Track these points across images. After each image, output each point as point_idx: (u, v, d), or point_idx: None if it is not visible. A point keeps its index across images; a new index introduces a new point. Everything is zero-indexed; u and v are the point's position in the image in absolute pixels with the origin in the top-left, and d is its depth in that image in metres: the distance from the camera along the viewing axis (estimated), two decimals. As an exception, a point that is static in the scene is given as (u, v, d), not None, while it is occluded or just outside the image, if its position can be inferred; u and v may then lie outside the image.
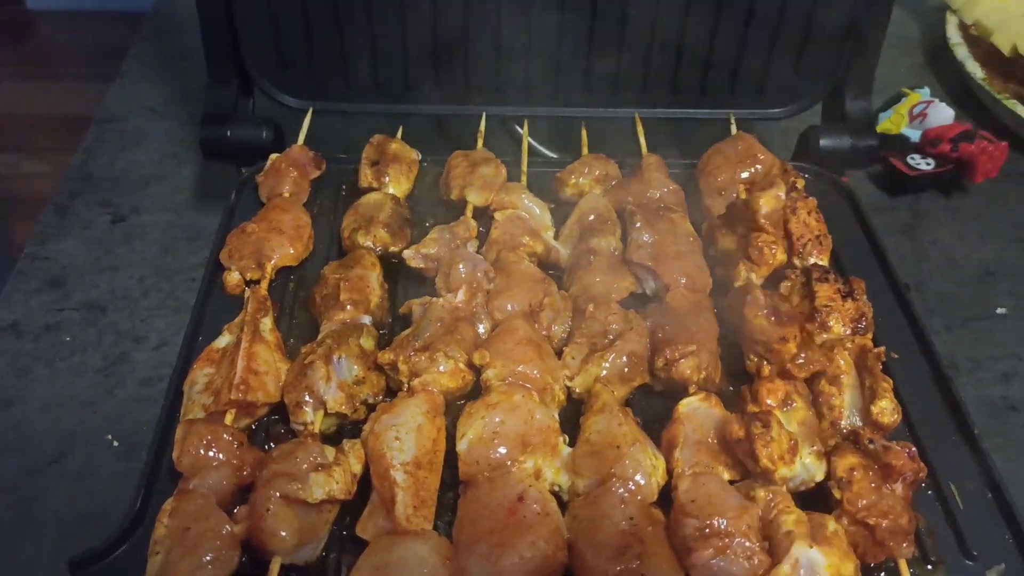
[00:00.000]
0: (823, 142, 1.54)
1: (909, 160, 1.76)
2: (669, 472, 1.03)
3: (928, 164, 1.75)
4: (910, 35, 2.25)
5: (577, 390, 1.14)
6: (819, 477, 1.04)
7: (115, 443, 1.28)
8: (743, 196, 1.33)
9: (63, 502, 1.20)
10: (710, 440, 1.04)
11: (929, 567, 1.00)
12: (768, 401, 1.07)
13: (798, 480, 1.05)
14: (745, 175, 1.42)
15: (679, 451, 1.02)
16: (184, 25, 2.10)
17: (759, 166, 1.42)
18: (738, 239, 1.32)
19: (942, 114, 1.80)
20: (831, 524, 0.96)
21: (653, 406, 1.17)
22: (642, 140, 1.51)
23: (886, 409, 1.04)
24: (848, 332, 1.17)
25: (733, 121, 1.56)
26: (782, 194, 1.33)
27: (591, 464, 1.02)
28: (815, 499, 1.04)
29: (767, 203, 1.32)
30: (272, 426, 1.12)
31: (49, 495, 1.20)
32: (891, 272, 1.35)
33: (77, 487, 1.22)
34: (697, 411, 1.07)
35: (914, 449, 1.01)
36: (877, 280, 1.34)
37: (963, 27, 2.08)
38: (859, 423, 1.08)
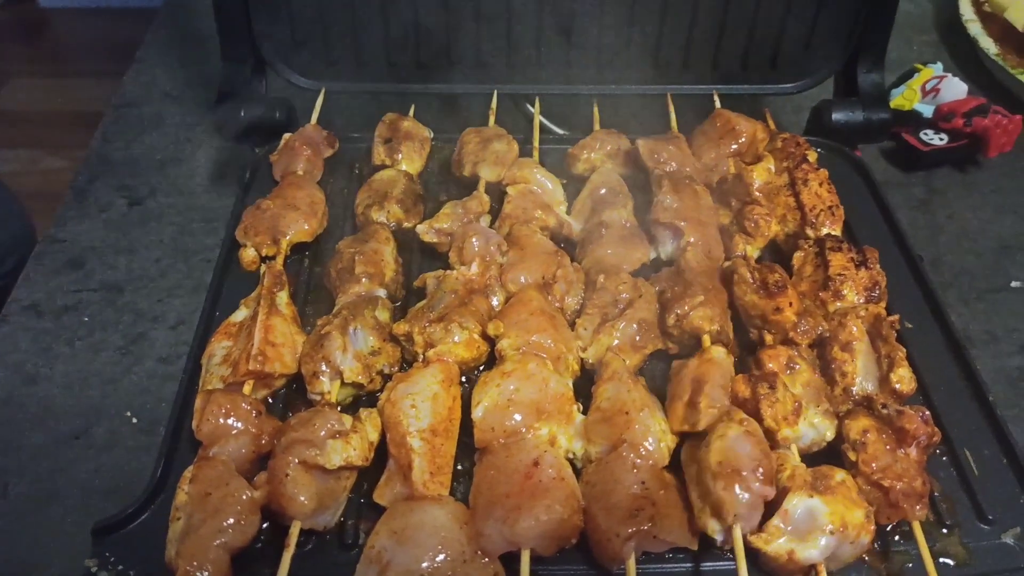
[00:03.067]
0: (836, 116, 1.53)
1: (922, 136, 1.74)
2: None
3: (942, 139, 1.74)
4: (923, 12, 2.24)
5: (590, 360, 1.15)
6: (829, 436, 1.05)
7: (134, 420, 1.29)
8: (732, 171, 1.33)
9: (86, 474, 1.21)
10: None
11: (945, 530, 1.00)
12: (770, 366, 1.08)
13: (808, 440, 1.06)
14: (732, 148, 1.43)
15: (709, 387, 1.03)
16: (199, 11, 2.11)
17: (743, 137, 1.43)
18: (733, 214, 1.32)
19: (955, 89, 1.79)
20: (838, 475, 0.97)
21: (666, 373, 1.18)
22: (673, 117, 1.52)
23: (905, 377, 1.05)
24: (862, 300, 1.17)
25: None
26: (772, 166, 1.34)
27: (602, 431, 1.03)
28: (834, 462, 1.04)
29: (759, 175, 1.32)
30: (289, 398, 1.13)
31: (73, 468, 1.22)
32: (904, 243, 1.35)
33: (99, 460, 1.23)
34: (722, 358, 1.07)
35: (928, 413, 1.01)
36: (891, 252, 1.34)
37: (976, 3, 2.06)
38: (871, 388, 1.08)
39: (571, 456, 1.05)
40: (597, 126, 1.51)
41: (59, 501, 1.19)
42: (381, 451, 1.04)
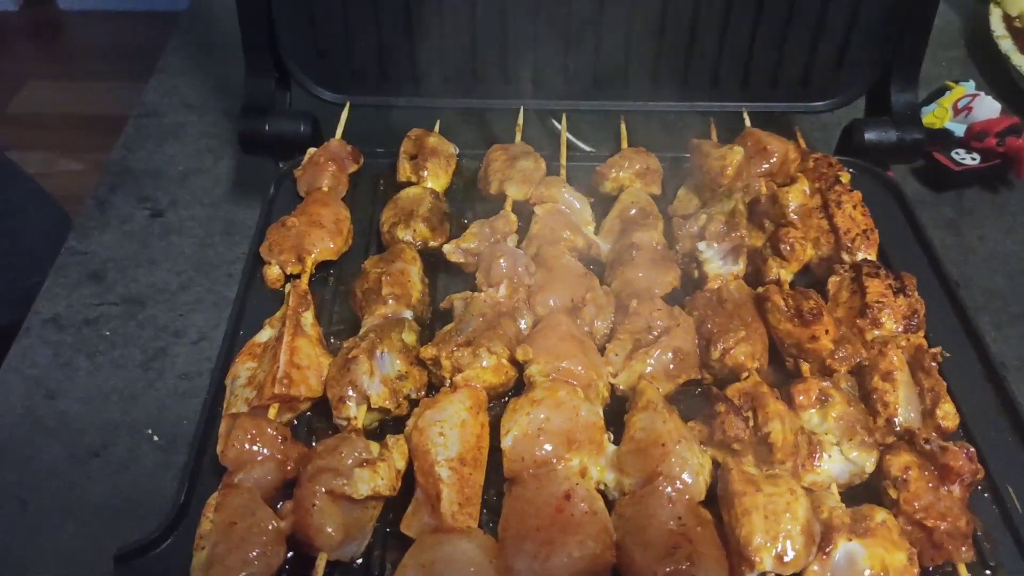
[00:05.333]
0: (868, 135, 1.50)
1: (954, 155, 1.71)
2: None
3: (973, 159, 1.71)
4: (952, 27, 2.20)
5: (621, 387, 1.12)
6: (870, 468, 1.03)
7: (155, 437, 1.28)
8: (763, 191, 1.30)
9: (106, 492, 1.20)
10: None
11: (988, 572, 0.97)
12: (800, 399, 1.05)
13: (847, 475, 1.03)
14: (764, 167, 1.39)
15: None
16: (220, 20, 2.10)
17: (774, 157, 1.39)
18: (767, 236, 1.29)
19: (988, 108, 1.76)
20: (879, 515, 0.95)
21: (696, 402, 1.15)
22: (713, 135, 1.49)
23: (950, 413, 1.02)
24: (900, 329, 1.14)
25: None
26: (807, 188, 1.31)
27: (637, 462, 1.01)
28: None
29: (795, 198, 1.30)
30: (314, 421, 1.11)
31: (91, 485, 1.21)
32: (940, 268, 1.33)
33: (118, 478, 1.22)
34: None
35: (972, 450, 0.98)
36: (925, 276, 1.30)
37: (1007, 19, 2.03)
38: (913, 417, 1.05)
39: (602, 487, 1.02)
40: (625, 144, 1.49)
41: (77, 519, 1.18)
42: (407, 478, 1.02)
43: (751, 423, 1.01)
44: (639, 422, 1.04)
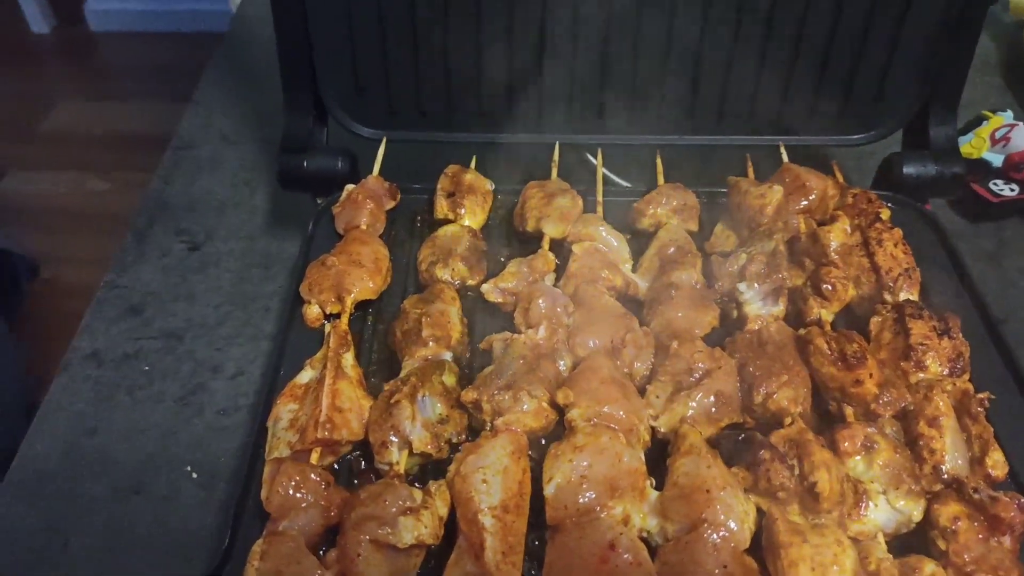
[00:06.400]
0: (907, 169, 1.49)
1: (992, 186, 1.70)
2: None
3: (1012, 190, 1.69)
4: (987, 54, 2.18)
5: (662, 430, 1.11)
6: (917, 517, 1.01)
7: (194, 474, 1.29)
8: (803, 229, 1.29)
9: (145, 530, 1.20)
10: None
11: (1040, 626, 0.95)
12: (845, 446, 1.04)
13: (893, 524, 1.01)
14: (802, 204, 1.38)
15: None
16: (255, 47, 2.13)
17: (813, 194, 1.38)
18: (807, 275, 1.28)
19: (1027, 137, 1.74)
20: (928, 567, 0.94)
21: (736, 445, 1.14)
22: (750, 173, 1.48)
23: (999, 461, 1.01)
24: (945, 372, 1.13)
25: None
26: (848, 227, 1.30)
27: (680, 508, 1.00)
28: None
29: (836, 237, 1.28)
30: (355, 464, 1.11)
31: (132, 522, 1.21)
32: (983, 305, 1.31)
33: (158, 516, 1.23)
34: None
35: (1023, 500, 0.97)
36: (967, 314, 1.29)
37: (1044, 46, 2.01)
38: (960, 465, 1.04)
39: (644, 534, 1.01)
40: (661, 179, 1.48)
41: (119, 558, 1.19)
42: (447, 523, 1.02)
43: (796, 471, 1.00)
44: (682, 467, 1.03)
